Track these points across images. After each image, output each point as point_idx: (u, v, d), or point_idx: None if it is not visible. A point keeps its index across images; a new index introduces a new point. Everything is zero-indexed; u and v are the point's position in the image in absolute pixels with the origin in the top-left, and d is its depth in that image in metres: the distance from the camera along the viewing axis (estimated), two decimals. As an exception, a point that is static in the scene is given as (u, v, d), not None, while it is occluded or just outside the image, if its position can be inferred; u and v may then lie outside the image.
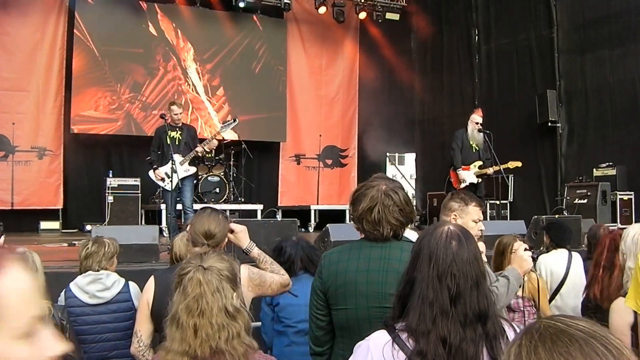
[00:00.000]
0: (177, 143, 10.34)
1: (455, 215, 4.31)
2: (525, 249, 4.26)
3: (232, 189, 14.70)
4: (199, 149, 10.59)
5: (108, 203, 13.19)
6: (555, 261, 6.52)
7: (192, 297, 2.68)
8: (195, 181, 14.14)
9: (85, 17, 14.60)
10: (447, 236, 2.40)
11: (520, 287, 4.15)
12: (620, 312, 3.30)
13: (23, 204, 13.84)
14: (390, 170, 18.34)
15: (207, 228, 3.97)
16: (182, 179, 10.32)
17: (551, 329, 1.31)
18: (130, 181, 13.48)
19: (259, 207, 14.63)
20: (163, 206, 12.48)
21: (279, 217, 12.16)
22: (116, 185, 13.29)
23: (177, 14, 15.82)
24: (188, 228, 4.25)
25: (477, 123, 10.87)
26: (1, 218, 12.80)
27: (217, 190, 14.33)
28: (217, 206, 13.20)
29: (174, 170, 10.03)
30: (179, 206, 10.79)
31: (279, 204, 16.68)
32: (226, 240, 4.14)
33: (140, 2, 15.21)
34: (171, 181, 10.04)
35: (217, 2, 15.73)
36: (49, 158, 14.36)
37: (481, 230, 4.40)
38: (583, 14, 13.48)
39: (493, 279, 4.06)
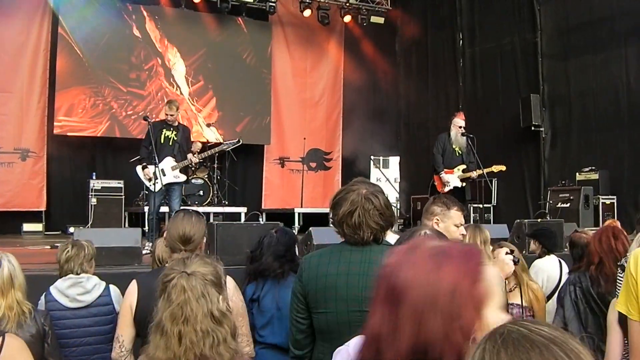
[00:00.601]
0: (170, 143, 10.16)
1: (437, 220, 4.32)
2: (507, 253, 4.27)
3: (216, 192, 14.69)
4: (194, 160, 10.53)
5: (91, 205, 13.13)
6: (549, 266, 6.57)
7: (176, 304, 2.65)
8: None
9: (69, 18, 14.53)
10: None
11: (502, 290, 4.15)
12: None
13: (6, 205, 13.78)
14: (375, 174, 18.39)
15: (182, 232, 3.96)
16: (171, 184, 10.14)
17: (514, 334, 1.32)
18: (114, 183, 13.41)
19: (242, 209, 14.58)
20: (146, 208, 12.44)
21: (261, 220, 12.13)
22: (99, 187, 13.22)
23: (162, 15, 15.79)
24: (165, 234, 4.23)
25: (460, 127, 10.89)
26: (-16, 220, 12.87)
27: (201, 192, 14.31)
28: (201, 209, 13.22)
29: (162, 173, 9.86)
30: (163, 209, 10.73)
31: (263, 207, 16.67)
32: (204, 240, 4.11)
33: (125, 4, 15.15)
34: (154, 184, 9.75)
35: (202, 5, 15.68)
36: (32, 160, 14.29)
37: (462, 234, 4.41)
38: (567, 19, 13.54)
39: None
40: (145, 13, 15.60)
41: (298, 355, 3.42)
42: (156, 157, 9.73)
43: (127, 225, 13.48)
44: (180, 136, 10.25)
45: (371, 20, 17.09)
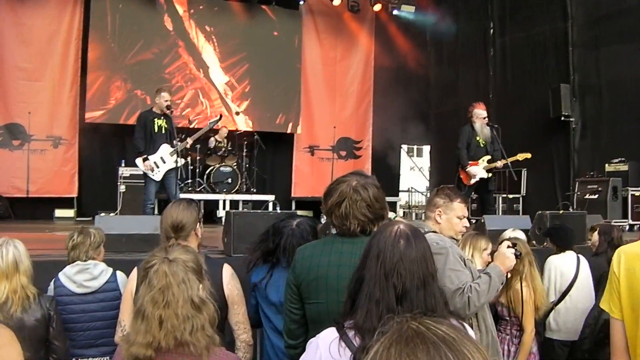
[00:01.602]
0: (163, 132, 10.15)
1: (440, 211, 4.28)
2: (509, 246, 4.24)
3: (244, 180, 14.75)
4: (190, 141, 10.56)
5: (120, 192, 13.29)
6: (564, 262, 6.49)
7: (157, 289, 2.68)
8: (207, 171, 14.26)
9: (101, 7, 14.70)
10: (396, 235, 2.42)
11: (502, 284, 4.13)
12: None
13: (38, 192, 14.02)
14: (406, 163, 18.35)
15: (173, 219, 4.01)
16: (169, 170, 10.20)
17: (410, 331, 1.36)
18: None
19: (270, 197, 14.63)
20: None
21: (278, 209, 12.19)
22: (128, 175, 13.37)
23: (193, 4, 15.89)
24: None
25: (484, 118, 10.76)
26: (17, 206, 13.08)
27: (229, 180, 14.37)
28: (229, 197, 13.36)
29: (162, 160, 10.01)
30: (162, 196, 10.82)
31: (292, 195, 16.75)
32: (199, 227, 4.15)
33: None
34: (156, 173, 10.01)
35: (232, -7, 15.77)
36: (64, 147, 14.53)
37: (466, 226, 4.39)
38: (598, 8, 13.37)
39: (476, 275, 4.07)
40: (176, 2, 15.69)
41: (292, 345, 3.45)
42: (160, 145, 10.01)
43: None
44: (169, 123, 10.24)
45: (402, 9, 17.02)
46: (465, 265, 4.05)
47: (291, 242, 4.70)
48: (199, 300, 2.74)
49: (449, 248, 3.92)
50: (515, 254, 4.20)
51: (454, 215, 4.29)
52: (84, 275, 4.71)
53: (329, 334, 2.41)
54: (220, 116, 11.92)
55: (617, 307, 2.94)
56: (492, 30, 16.11)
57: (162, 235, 4.13)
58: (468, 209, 4.52)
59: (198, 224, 4.16)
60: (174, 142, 10.12)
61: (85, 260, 4.76)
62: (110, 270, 4.86)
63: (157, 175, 10.03)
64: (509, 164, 10.52)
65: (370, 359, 1.37)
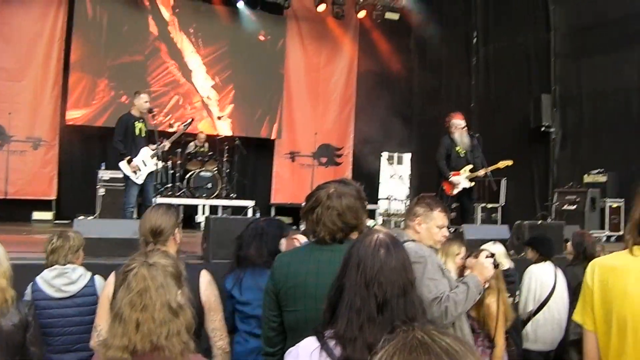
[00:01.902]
0: (143, 135, 10.16)
1: (420, 221, 4.28)
2: (487, 256, 4.25)
3: (224, 185, 14.71)
4: (167, 145, 10.55)
5: (99, 195, 13.21)
6: (544, 272, 6.54)
7: (136, 292, 2.68)
8: (187, 175, 14.22)
9: (85, 9, 14.63)
10: (376, 244, 2.42)
11: (480, 294, 4.14)
12: None
13: (17, 193, 13.88)
14: (387, 170, 18.38)
15: (152, 224, 4.01)
16: (149, 174, 10.20)
17: (415, 340, 1.37)
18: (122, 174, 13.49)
19: (250, 203, 14.58)
20: (155, 200, 12.54)
21: (257, 214, 12.18)
22: (108, 178, 13.25)
23: (178, 8, 15.86)
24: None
25: (463, 128, 10.79)
26: (-5, 207, 12.96)
27: (210, 185, 14.32)
28: (209, 202, 13.32)
29: (144, 163, 10.00)
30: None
31: (272, 201, 16.74)
32: (178, 232, 4.14)
33: (141, -4, 15.22)
34: (139, 176, 9.99)
35: (217, -2, 15.77)
36: (44, 148, 14.42)
37: (445, 236, 4.39)
38: (580, 19, 13.48)
39: (453, 285, 4.07)
40: (160, 5, 15.67)
41: (270, 352, 3.44)
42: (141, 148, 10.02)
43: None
44: (146, 126, 10.26)
45: (386, 16, 17.07)
46: (443, 274, 4.06)
47: (249, 240, 4.76)
48: (177, 306, 2.73)
49: (428, 257, 3.92)
50: (493, 264, 4.21)
51: (433, 224, 4.29)
52: (62, 280, 4.69)
53: (310, 343, 2.40)
54: (192, 120, 11.90)
55: (591, 319, 2.96)
56: (475, 39, 16.21)
57: (141, 240, 4.11)
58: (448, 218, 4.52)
59: (177, 229, 4.15)
60: (157, 144, 10.14)
61: (64, 265, 4.73)
62: (89, 274, 4.84)
63: (140, 179, 9.99)
64: (489, 173, 10.57)
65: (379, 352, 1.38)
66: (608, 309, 2.87)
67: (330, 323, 2.41)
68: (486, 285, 4.31)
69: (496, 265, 4.25)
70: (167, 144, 10.54)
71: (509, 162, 10.83)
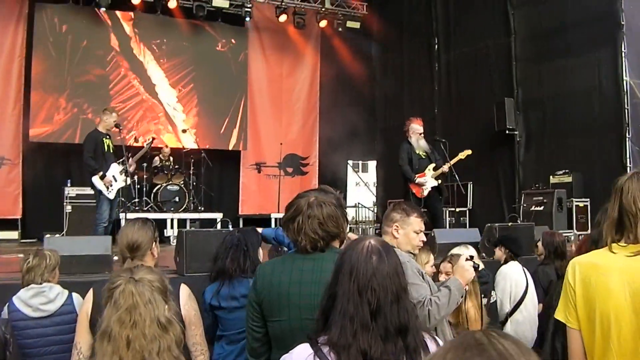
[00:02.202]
0: (111, 151, 10.28)
1: (397, 226, 4.31)
2: (467, 259, 4.28)
3: (192, 198, 14.65)
4: (133, 164, 10.72)
5: (66, 213, 13.07)
6: (515, 271, 6.61)
7: (124, 309, 2.66)
8: (154, 190, 14.15)
9: (45, 25, 14.51)
10: (368, 251, 2.41)
11: (462, 297, 4.16)
12: None
13: (-19, 214, 13.69)
14: (352, 178, 18.42)
15: (129, 240, 3.97)
16: (118, 190, 10.35)
17: (472, 340, 1.37)
18: (89, 190, 13.15)
19: (218, 215, 14.53)
20: (122, 215, 12.44)
21: (230, 226, 12.15)
22: (74, 195, 13.17)
23: (138, 22, 15.82)
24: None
25: (420, 133, 10.95)
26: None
27: (177, 199, 14.26)
28: (177, 215, 13.25)
29: (114, 179, 10.11)
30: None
31: (239, 213, 16.70)
32: (155, 247, 4.10)
33: (100, 11, 15.09)
34: (110, 192, 10.09)
35: (177, 10, 15.69)
36: (7, 167, 14.28)
37: (422, 240, 4.42)
38: (540, 23, 13.61)
39: (434, 289, 4.09)
40: (121, 19, 15.62)
41: (254, 364, 3.43)
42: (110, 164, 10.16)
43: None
44: (113, 143, 10.39)
45: (347, 25, 17.16)
46: (423, 278, 4.08)
47: (225, 253, 4.78)
48: (166, 320, 2.72)
49: (407, 262, 3.94)
50: (473, 266, 4.24)
51: (411, 229, 4.32)
52: (40, 299, 4.62)
53: (303, 350, 2.38)
54: (153, 139, 11.98)
55: (574, 317, 2.98)
56: (436, 46, 16.30)
57: (119, 256, 4.08)
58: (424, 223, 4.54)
59: (154, 243, 4.11)
60: (128, 160, 10.23)
61: (40, 283, 4.67)
62: (66, 292, 4.78)
63: (112, 194, 10.08)
64: (457, 176, 10.68)
65: (429, 358, 1.37)
66: (591, 307, 2.89)
67: (323, 330, 2.40)
68: (466, 288, 4.34)
69: (476, 268, 4.28)
70: (132, 165, 10.70)
71: (469, 152, 10.97)
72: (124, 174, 10.27)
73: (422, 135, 10.95)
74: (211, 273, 5.00)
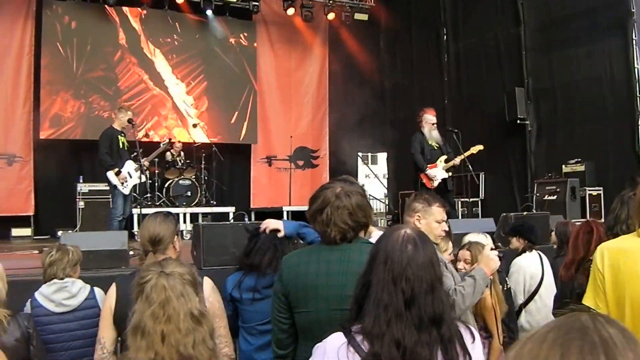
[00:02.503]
0: (126, 148, 10.53)
1: (419, 216, 4.33)
2: (492, 249, 4.29)
3: (203, 192, 14.68)
4: (146, 163, 10.96)
5: (79, 209, 13.11)
6: (530, 263, 6.57)
7: (157, 304, 2.65)
8: (166, 185, 14.19)
9: (53, 22, 14.54)
10: (403, 240, 2.41)
11: (487, 286, 4.17)
12: None
13: (-6, 211, 13.74)
14: (363, 170, 18.38)
15: (151, 233, 3.96)
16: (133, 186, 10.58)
17: (577, 323, 1.32)
18: (101, 186, 13.36)
19: (230, 209, 14.60)
20: (135, 210, 12.53)
21: (247, 219, 12.17)
22: (87, 191, 13.21)
23: (146, 17, 15.81)
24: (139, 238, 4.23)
25: (432, 124, 10.95)
26: (-28, 225, 12.80)
27: (189, 193, 14.30)
28: (189, 210, 13.26)
29: (129, 175, 10.32)
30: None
31: (251, 206, 16.69)
32: (177, 240, 4.11)
33: (108, 7, 15.11)
34: (125, 187, 10.32)
35: (185, 5, 15.67)
36: (19, 164, 14.28)
37: (445, 230, 4.43)
38: (550, 12, 13.58)
39: (458, 279, 4.09)
40: (129, 15, 15.61)
41: (281, 355, 3.41)
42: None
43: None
44: (128, 141, 10.63)
45: (355, 17, 17.12)
46: (447, 268, 4.09)
47: (264, 250, 4.74)
48: (199, 313, 2.72)
49: None
50: (498, 256, 4.24)
51: (432, 219, 4.33)
52: (63, 294, 4.63)
53: (337, 339, 2.38)
54: (170, 140, 12.10)
55: (603, 302, 2.98)
56: (445, 36, 16.27)
57: (141, 250, 4.08)
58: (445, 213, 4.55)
59: (176, 236, 4.11)
60: (141, 159, 10.47)
61: (62, 278, 4.68)
62: (88, 287, 4.79)
63: (127, 189, 10.29)
64: (470, 166, 10.68)
65: (530, 335, 1.34)
66: (620, 292, 2.89)
67: (357, 319, 2.40)
68: (491, 277, 4.35)
69: (501, 257, 4.28)
70: (145, 163, 10.93)
71: (481, 147, 10.98)
72: (138, 171, 10.45)
73: (435, 125, 10.95)
74: (240, 264, 4.98)
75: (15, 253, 10.04)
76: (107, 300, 3.98)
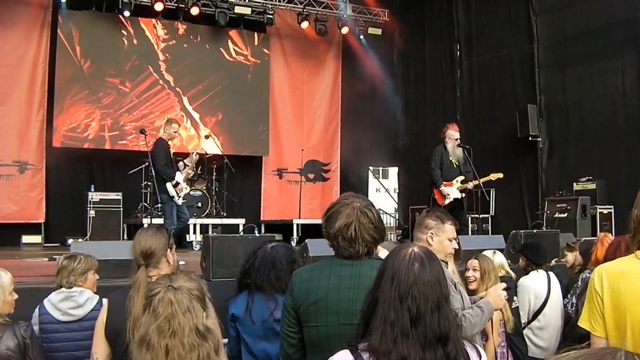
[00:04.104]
0: (173, 161, 10.83)
1: (432, 233, 4.31)
2: (503, 289, 4.32)
3: (214, 204, 14.70)
4: (190, 171, 11.31)
5: (89, 217, 13.16)
6: (536, 283, 6.59)
7: (163, 318, 2.66)
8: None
9: (69, 32, 14.65)
10: (410, 258, 2.41)
11: (488, 320, 4.23)
12: None
13: (5, 218, 13.85)
14: (373, 184, 18.38)
15: (142, 246, 3.90)
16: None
17: (609, 357, 1.31)
18: (112, 195, 13.47)
19: (241, 221, 14.61)
20: (146, 220, 12.66)
21: (257, 232, 12.19)
22: (98, 200, 13.26)
23: (160, 29, 15.87)
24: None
25: (456, 139, 10.93)
26: (-17, 232, 12.85)
27: (200, 204, 14.33)
28: (199, 221, 13.29)
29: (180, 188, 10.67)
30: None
31: (261, 218, 16.70)
32: (170, 254, 4.04)
33: (123, 18, 15.22)
34: (179, 197, 10.69)
35: (199, 17, 15.73)
36: (31, 172, 14.35)
37: (455, 248, 4.43)
38: (563, 29, 13.57)
39: (468, 304, 4.09)
40: (143, 26, 15.68)
41: (289, 369, 3.43)
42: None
43: (125, 237, 13.48)
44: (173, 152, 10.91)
45: (369, 32, 17.16)
46: (456, 288, 4.09)
47: (264, 266, 4.67)
48: (204, 329, 2.72)
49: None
50: (505, 297, 4.29)
51: (445, 237, 4.34)
52: (69, 303, 4.65)
53: (344, 356, 2.39)
54: (198, 154, 12.20)
55: (600, 325, 2.94)
56: (458, 52, 16.26)
57: (134, 264, 4.04)
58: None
59: (169, 250, 4.03)
60: (189, 170, 11.20)
61: (69, 287, 4.69)
62: (97, 298, 4.79)
63: (180, 200, 10.69)
64: (481, 185, 10.66)
65: (559, 356, 1.32)
66: (621, 315, 2.85)
67: (363, 336, 2.40)
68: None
69: (507, 288, 4.32)
70: (190, 172, 11.49)
71: (500, 175, 10.99)
72: (185, 182, 10.90)
73: (458, 141, 10.92)
74: (239, 283, 4.94)
75: (25, 260, 10.06)
76: (100, 315, 3.94)
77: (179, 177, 10.68)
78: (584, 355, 1.30)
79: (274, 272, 4.58)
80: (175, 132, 10.91)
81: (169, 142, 10.89)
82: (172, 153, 10.82)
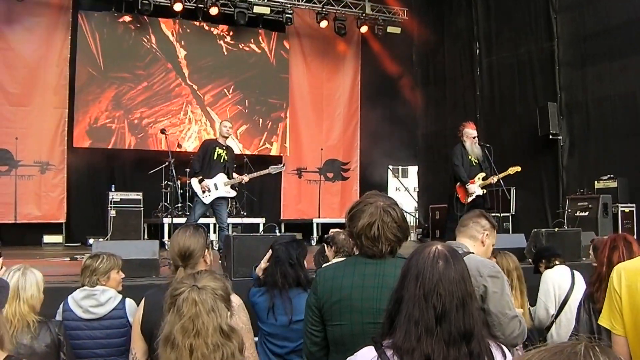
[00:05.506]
0: (221, 161, 10.75)
1: (488, 234, 4.33)
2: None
3: (234, 203, 14.70)
4: (245, 179, 11.14)
5: (110, 217, 13.21)
6: (559, 275, 6.59)
7: (187, 318, 2.67)
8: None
9: (89, 33, 14.73)
10: (435, 256, 2.41)
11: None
12: None
13: (26, 217, 13.93)
14: (393, 183, 18.37)
15: (180, 247, 3.89)
16: (220, 198, 10.73)
17: (569, 349, 1.34)
18: (133, 195, 13.49)
19: (261, 220, 14.67)
20: (166, 220, 12.75)
21: (277, 232, 12.20)
22: (118, 199, 13.29)
23: (180, 29, 15.93)
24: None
25: (474, 137, 10.90)
26: (4, 232, 12.94)
27: (220, 204, 14.35)
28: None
29: (215, 187, 10.59)
30: (202, 220, 11.14)
31: (281, 218, 16.72)
32: (208, 254, 4.04)
33: (143, 17, 15.30)
34: (207, 196, 10.56)
35: (218, 17, 15.77)
36: (52, 172, 14.46)
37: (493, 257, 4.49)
38: (584, 27, 13.49)
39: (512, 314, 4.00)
40: (163, 26, 15.74)
41: (313, 368, 3.43)
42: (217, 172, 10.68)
43: (146, 236, 13.54)
44: (229, 155, 10.92)
45: (388, 30, 17.12)
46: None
47: (277, 264, 4.75)
48: (228, 328, 2.73)
49: (503, 277, 3.96)
50: None
51: (493, 241, 4.38)
52: (90, 301, 4.69)
53: (368, 353, 2.40)
54: (284, 164, 12.33)
55: (620, 323, 2.94)
56: (478, 50, 16.20)
57: (171, 264, 4.05)
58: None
59: (206, 250, 4.03)
60: (231, 173, 10.90)
61: (92, 286, 4.73)
62: (119, 297, 4.82)
63: (207, 199, 10.56)
64: (501, 181, 10.62)
65: (523, 355, 1.34)
66: (638, 314, 2.85)
67: (388, 334, 2.41)
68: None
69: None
70: (245, 179, 11.21)
71: (518, 168, 10.93)
72: (229, 186, 10.76)
73: (476, 139, 10.90)
74: (258, 279, 5.02)
75: (47, 260, 10.13)
76: (137, 313, 3.98)
77: (219, 179, 10.62)
78: (545, 351, 1.32)
79: (290, 267, 4.66)
80: (226, 128, 10.91)
81: (220, 140, 10.89)
82: (218, 153, 10.72)
